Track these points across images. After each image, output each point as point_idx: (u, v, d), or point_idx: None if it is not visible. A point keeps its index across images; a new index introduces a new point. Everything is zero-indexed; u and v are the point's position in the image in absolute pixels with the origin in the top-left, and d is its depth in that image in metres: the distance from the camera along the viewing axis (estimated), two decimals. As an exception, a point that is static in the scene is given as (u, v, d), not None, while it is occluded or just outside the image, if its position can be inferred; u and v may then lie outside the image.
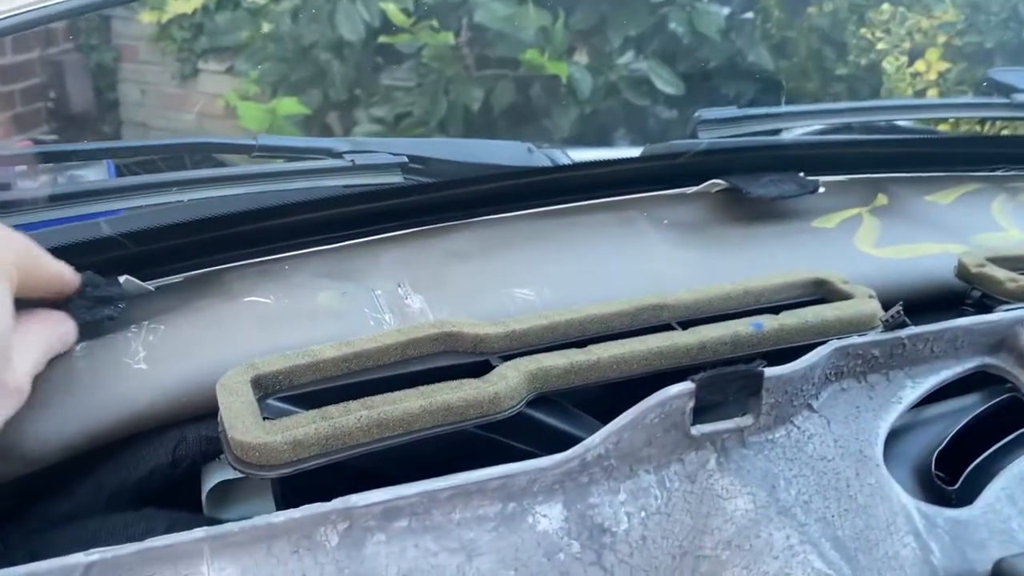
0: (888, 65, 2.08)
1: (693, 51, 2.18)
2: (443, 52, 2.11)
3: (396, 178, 0.60)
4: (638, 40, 2.20)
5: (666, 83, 2.13)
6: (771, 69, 2.17)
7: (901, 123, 0.95)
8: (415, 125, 2.15)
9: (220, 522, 0.39)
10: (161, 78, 2.95)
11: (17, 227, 0.57)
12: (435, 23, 2.04)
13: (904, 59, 2.07)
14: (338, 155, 0.61)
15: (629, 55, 2.22)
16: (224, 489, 0.49)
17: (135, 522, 0.45)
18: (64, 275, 0.48)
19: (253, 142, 0.62)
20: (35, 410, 0.45)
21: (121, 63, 2.97)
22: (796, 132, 1.00)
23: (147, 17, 2.67)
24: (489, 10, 2.01)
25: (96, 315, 0.49)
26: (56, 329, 0.48)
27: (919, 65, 2.07)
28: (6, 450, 0.43)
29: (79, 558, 0.36)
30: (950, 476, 0.46)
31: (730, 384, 0.43)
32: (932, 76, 2.06)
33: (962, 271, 0.59)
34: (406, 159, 0.61)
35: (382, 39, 2.10)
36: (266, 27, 2.42)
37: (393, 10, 2.03)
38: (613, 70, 2.18)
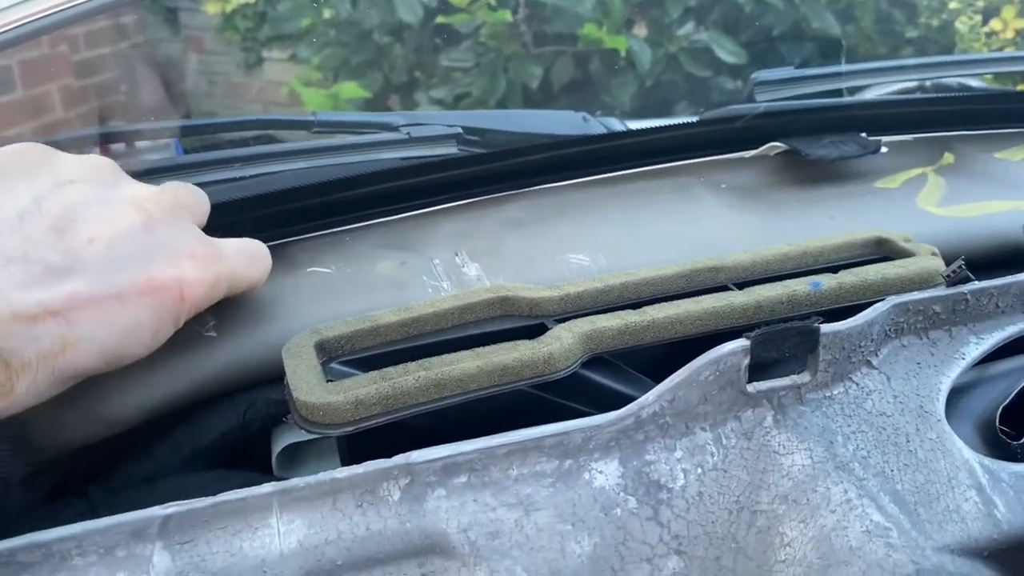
0: (961, 25, 2.01)
1: (756, 19, 2.14)
2: (501, 30, 2.11)
3: (451, 149, 0.61)
4: (698, 10, 2.17)
5: (728, 53, 2.09)
6: (837, 34, 2.11)
7: (970, 80, 0.92)
8: (474, 105, 2.16)
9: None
10: (228, 67, 3.02)
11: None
12: (492, 1, 2.04)
13: (978, 18, 1.99)
14: (394, 128, 0.62)
15: (689, 26, 2.19)
16: (293, 451, 0.51)
17: (210, 482, 0.47)
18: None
19: (312, 118, 0.64)
20: (116, 376, 0.47)
21: (189, 54, 3.04)
22: (871, 93, 0.98)
23: (211, 8, 2.73)
24: (545, -15, 2.01)
25: None
26: None
27: (995, 24, 1.99)
28: (90, 413, 0.46)
29: (156, 511, 0.38)
30: (1016, 431, 0.45)
31: (786, 341, 0.43)
32: (1009, 34, 1.98)
33: (1031, 227, 0.58)
34: (461, 130, 0.62)
35: (439, 19, 2.10)
36: (327, 13, 2.45)
37: (450, -11, 2.05)
38: (673, 42, 2.15)
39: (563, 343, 0.45)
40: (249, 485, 0.40)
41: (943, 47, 1.99)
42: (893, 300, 0.46)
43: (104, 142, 0.67)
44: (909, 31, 2.10)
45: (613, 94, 2.15)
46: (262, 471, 0.51)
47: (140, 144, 0.87)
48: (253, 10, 2.84)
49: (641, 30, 2.21)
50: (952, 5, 1.99)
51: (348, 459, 0.49)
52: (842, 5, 2.15)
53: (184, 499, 0.40)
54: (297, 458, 0.51)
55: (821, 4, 2.14)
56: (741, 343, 0.42)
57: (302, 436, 0.49)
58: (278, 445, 0.50)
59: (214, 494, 0.39)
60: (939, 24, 2.00)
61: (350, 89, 2.26)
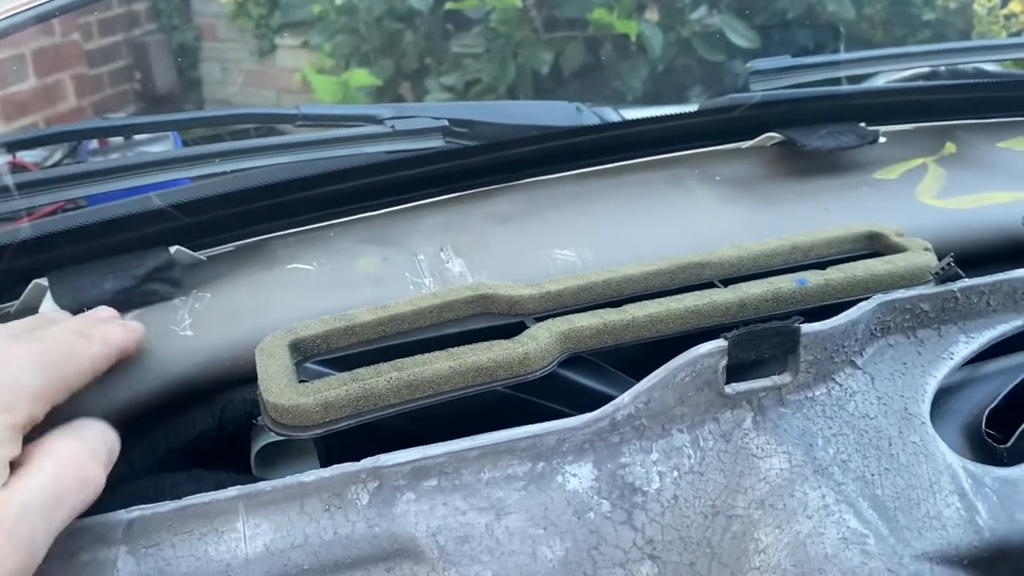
0: (979, 7, 1.97)
1: (770, 2, 2.11)
2: (511, 15, 2.09)
3: (438, 142, 0.60)
4: (711, -8, 2.14)
5: (741, 37, 2.06)
6: (852, 18, 2.08)
7: (982, 66, 0.89)
8: (485, 91, 2.15)
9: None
10: (240, 55, 3.02)
11: (91, 199, 0.59)
12: (501, -14, 2.02)
13: (997, 0, 1.95)
14: (379, 122, 0.61)
15: (702, 10, 2.16)
16: (272, 451, 0.50)
17: (185, 483, 0.46)
18: (109, 353, 0.44)
19: (296, 111, 0.63)
20: (89, 376, 0.47)
21: (202, 42, 3.05)
22: (879, 81, 0.96)
23: (224, -4, 2.73)
24: (555, -31, 1.99)
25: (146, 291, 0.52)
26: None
27: (1014, 5, 1.95)
28: (60, 415, 0.45)
29: (121, 515, 0.37)
30: (1004, 434, 0.44)
31: (765, 341, 0.42)
32: (1028, 17, 1.94)
33: (1031, 220, 0.56)
34: (447, 123, 0.61)
35: (450, 5, 2.09)
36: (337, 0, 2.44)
37: (460, -25, 2.03)
38: (685, 26, 2.12)
39: (539, 343, 0.45)
40: (225, 486, 0.40)
41: (960, 31, 1.95)
42: (879, 298, 0.45)
43: (85, 136, 0.67)
44: (926, 13, 2.06)
45: (624, 80, 2.13)
46: (242, 471, 0.50)
47: (139, 138, 0.87)
48: (265, -3, 2.84)
49: (653, 14, 2.18)
50: (970, -13, 1.95)
51: (326, 459, 0.48)
52: (857, -12, 2.11)
53: (158, 500, 0.39)
54: (276, 458, 0.51)
55: (836, -14, 2.10)
56: (718, 344, 0.41)
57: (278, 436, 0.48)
58: (256, 445, 0.49)
59: (188, 495, 0.39)
60: (956, 6, 1.96)
61: (360, 76, 2.25)
